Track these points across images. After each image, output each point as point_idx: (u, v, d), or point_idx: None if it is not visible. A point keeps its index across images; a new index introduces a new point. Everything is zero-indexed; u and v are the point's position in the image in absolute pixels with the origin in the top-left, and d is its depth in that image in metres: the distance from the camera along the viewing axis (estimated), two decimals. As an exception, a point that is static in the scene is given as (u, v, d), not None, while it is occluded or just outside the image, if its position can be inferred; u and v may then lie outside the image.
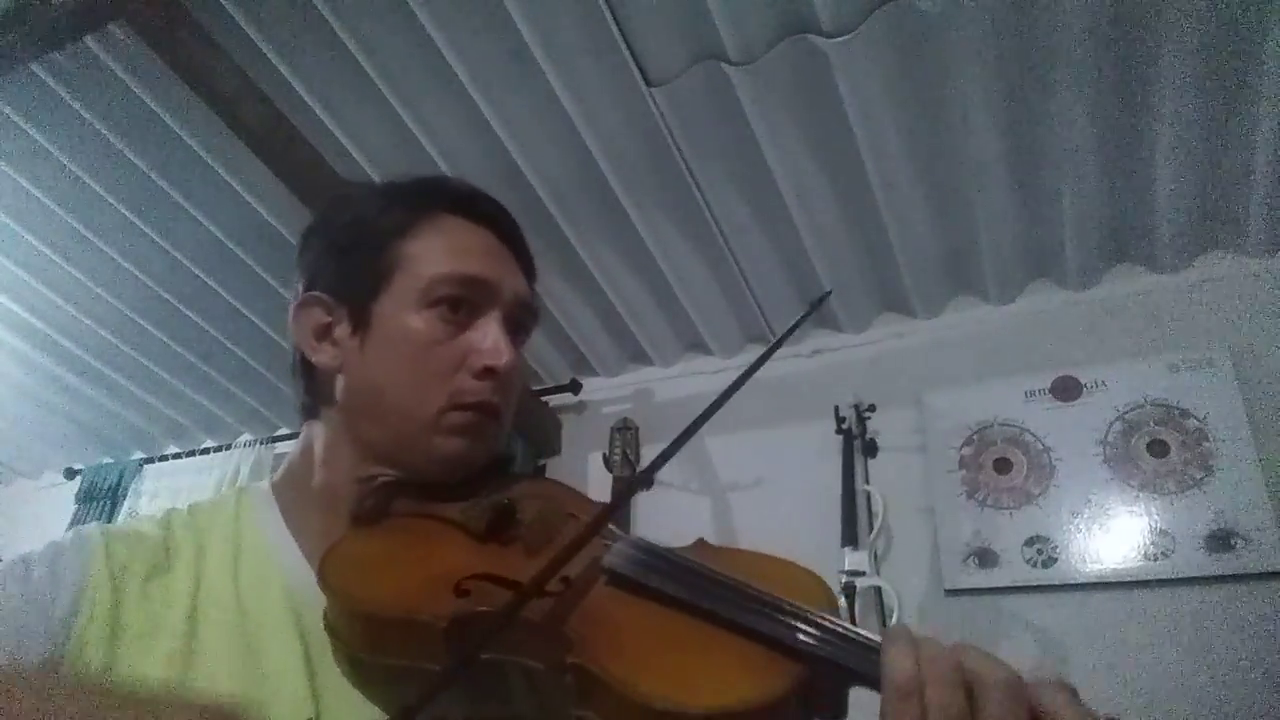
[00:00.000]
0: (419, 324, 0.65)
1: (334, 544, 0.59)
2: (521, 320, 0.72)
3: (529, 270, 0.75)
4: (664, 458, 0.55)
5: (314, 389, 0.70)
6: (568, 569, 0.52)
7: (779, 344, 0.71)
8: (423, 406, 0.65)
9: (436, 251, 0.67)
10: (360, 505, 0.63)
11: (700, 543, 0.62)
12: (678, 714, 0.44)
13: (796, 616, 0.49)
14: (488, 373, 0.65)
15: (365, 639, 0.53)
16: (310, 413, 0.71)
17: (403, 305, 0.66)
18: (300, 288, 0.72)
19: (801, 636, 0.47)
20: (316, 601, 0.56)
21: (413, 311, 0.66)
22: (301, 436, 0.72)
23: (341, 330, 0.68)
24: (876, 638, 0.47)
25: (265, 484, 0.71)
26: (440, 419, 0.65)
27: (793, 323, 0.76)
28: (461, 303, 0.67)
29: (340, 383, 0.68)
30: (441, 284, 0.66)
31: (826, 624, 0.48)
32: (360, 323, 0.67)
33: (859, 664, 0.46)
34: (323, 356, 0.68)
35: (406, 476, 0.65)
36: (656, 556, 0.55)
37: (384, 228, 0.69)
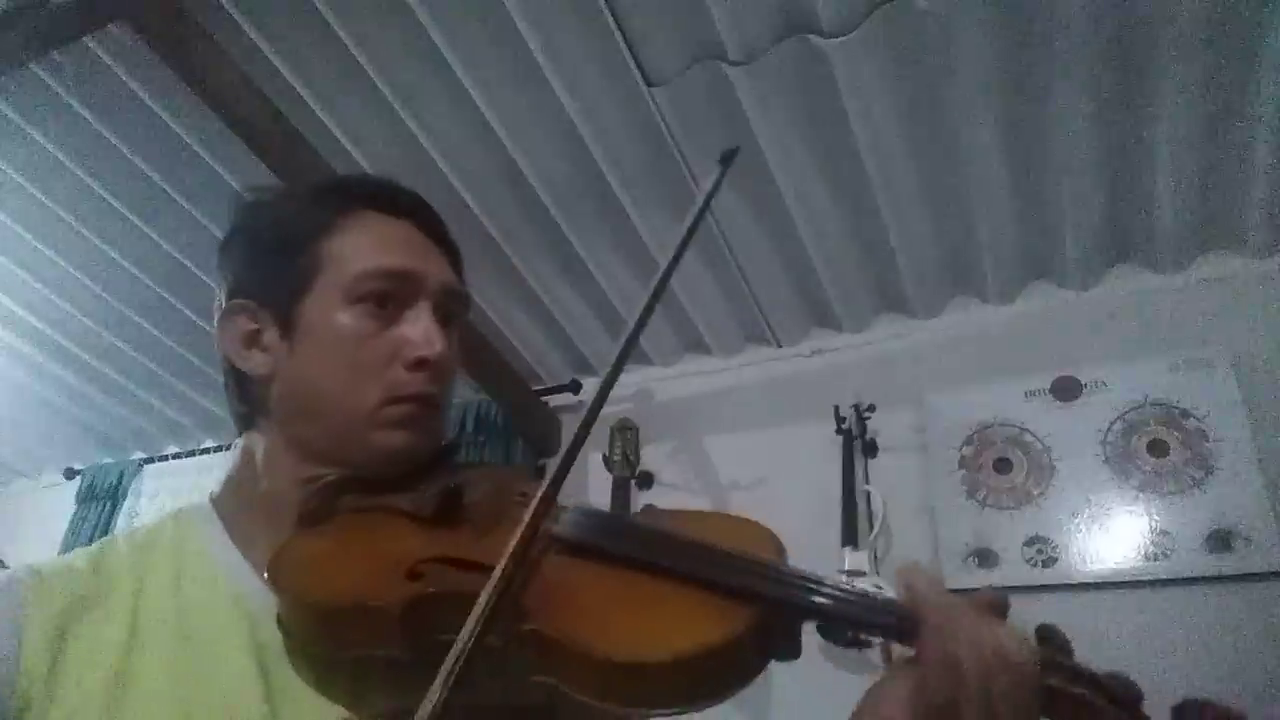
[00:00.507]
0: (347, 320, 0.65)
1: (282, 545, 0.58)
2: (451, 309, 0.71)
3: (455, 260, 0.74)
4: (608, 382, 0.59)
5: (248, 398, 0.69)
6: (517, 544, 0.52)
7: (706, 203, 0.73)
8: (359, 403, 0.64)
9: (359, 247, 0.67)
10: (305, 506, 0.62)
11: (648, 507, 0.64)
12: (638, 665, 0.45)
13: (743, 562, 0.50)
14: (421, 364, 0.65)
15: (320, 632, 0.53)
16: (246, 423, 0.70)
17: (329, 304, 0.65)
18: (223, 297, 0.70)
19: (749, 579, 0.49)
20: (268, 610, 0.55)
21: (340, 309, 0.65)
22: (240, 448, 0.70)
23: (270, 336, 0.67)
24: (820, 575, 0.50)
25: (205, 500, 0.70)
26: (377, 413, 0.64)
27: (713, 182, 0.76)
28: (388, 296, 0.66)
29: (274, 388, 0.67)
30: (366, 279, 0.65)
31: (772, 566, 0.50)
32: (288, 326, 0.66)
33: (805, 601, 0.48)
34: (253, 364, 0.67)
35: (350, 474, 0.65)
36: (603, 519, 0.57)
37: (304, 229, 0.68)
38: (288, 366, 0.66)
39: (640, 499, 2.33)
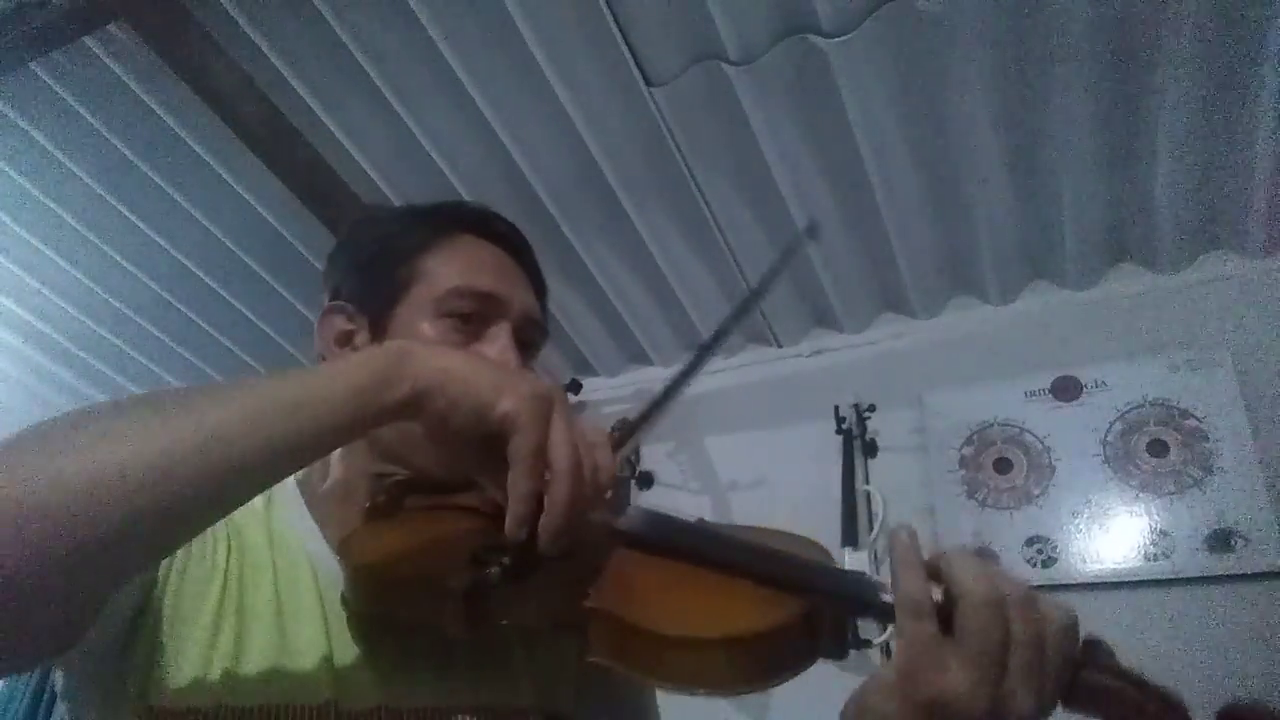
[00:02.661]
0: (431, 333, 0.69)
1: (352, 530, 0.63)
2: (530, 336, 0.75)
3: (540, 289, 0.80)
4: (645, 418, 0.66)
5: None
6: (580, 533, 0.54)
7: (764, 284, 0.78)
8: None
9: (452, 266, 0.72)
10: (374, 499, 0.67)
11: (700, 521, 0.66)
12: (691, 640, 0.47)
13: (794, 559, 0.53)
14: None
15: (383, 596, 0.57)
16: None
17: (417, 315, 0.70)
18: (325, 299, 0.76)
19: (799, 573, 0.52)
20: (337, 581, 0.61)
21: (426, 321, 0.70)
22: None
23: (361, 338, 0.72)
24: (870, 575, 0.51)
25: (290, 479, 0.75)
26: None
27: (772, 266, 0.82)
28: (472, 316, 0.70)
29: None
30: (454, 296, 0.70)
31: (822, 565, 0.53)
32: (379, 331, 0.71)
33: (854, 594, 0.50)
34: None
35: (417, 476, 0.69)
36: (663, 519, 0.60)
37: (405, 244, 0.74)
38: None
39: (640, 499, 2.33)
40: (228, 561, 0.63)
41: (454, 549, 0.57)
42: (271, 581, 0.63)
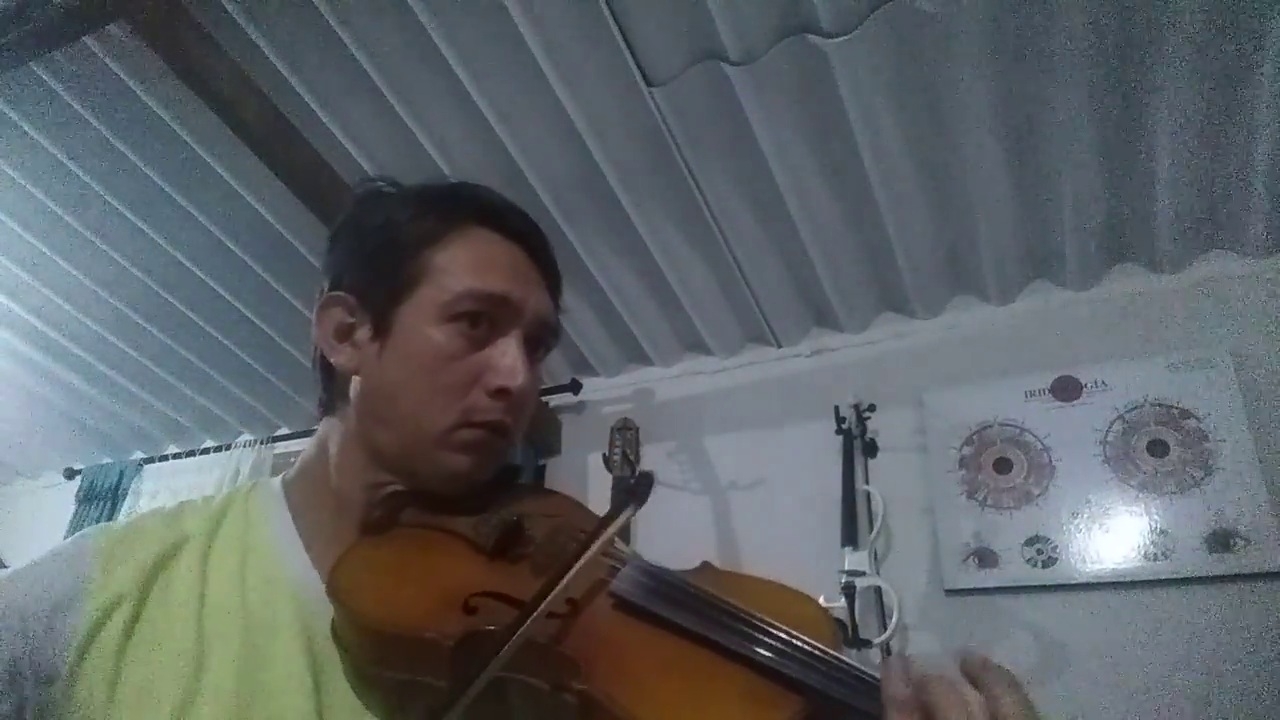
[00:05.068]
0: (438, 337, 0.65)
1: (343, 555, 0.59)
2: (542, 337, 0.72)
3: (555, 287, 0.75)
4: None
5: (332, 387, 0.71)
6: (575, 592, 0.52)
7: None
8: (434, 421, 0.64)
9: (463, 265, 0.67)
10: (369, 514, 0.64)
11: (706, 566, 0.63)
12: None
13: (798, 649, 0.49)
14: (502, 393, 0.65)
15: (372, 653, 0.54)
16: (328, 409, 0.71)
17: (424, 316, 0.65)
18: (325, 285, 0.71)
19: (802, 670, 0.48)
20: (324, 610, 0.57)
21: (433, 324, 0.65)
22: (318, 432, 0.72)
23: (362, 334, 0.67)
24: (873, 674, 0.47)
25: (277, 482, 0.71)
26: (450, 435, 0.64)
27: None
28: (482, 318, 0.66)
29: (356, 385, 0.68)
30: (464, 299, 0.65)
31: (828, 659, 0.48)
32: (381, 328, 0.66)
33: (858, 701, 0.46)
34: (341, 358, 0.68)
35: (416, 488, 0.65)
36: (663, 583, 0.56)
37: (413, 235, 0.68)
38: (373, 367, 0.67)
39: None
40: (200, 594, 0.59)
41: (445, 594, 0.55)
42: (240, 612, 0.59)
